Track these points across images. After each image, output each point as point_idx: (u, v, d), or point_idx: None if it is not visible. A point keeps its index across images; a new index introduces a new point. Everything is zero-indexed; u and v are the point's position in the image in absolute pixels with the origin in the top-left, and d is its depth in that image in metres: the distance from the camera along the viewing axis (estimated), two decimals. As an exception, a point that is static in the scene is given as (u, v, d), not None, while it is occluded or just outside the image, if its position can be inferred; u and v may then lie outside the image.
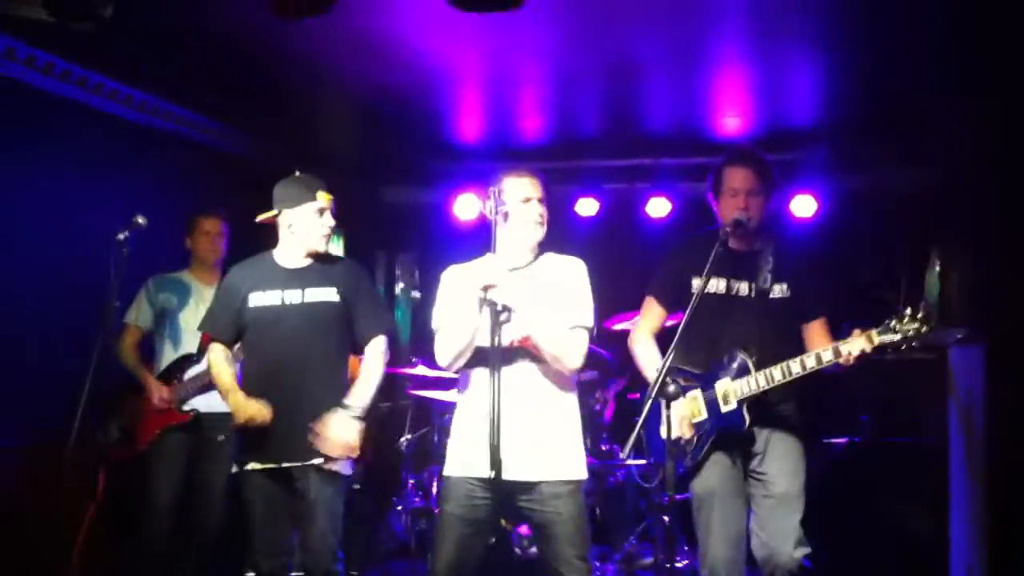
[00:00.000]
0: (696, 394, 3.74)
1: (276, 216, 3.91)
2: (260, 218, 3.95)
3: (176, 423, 4.73)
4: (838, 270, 4.12)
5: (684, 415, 3.71)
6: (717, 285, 3.73)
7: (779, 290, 3.77)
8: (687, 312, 3.40)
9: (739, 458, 3.75)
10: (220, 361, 3.95)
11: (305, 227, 3.88)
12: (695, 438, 3.74)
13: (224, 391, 3.91)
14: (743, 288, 3.77)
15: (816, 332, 3.77)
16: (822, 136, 6.24)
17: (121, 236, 4.09)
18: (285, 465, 3.78)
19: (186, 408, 4.74)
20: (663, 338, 3.92)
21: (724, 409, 3.68)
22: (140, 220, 4.12)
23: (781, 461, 3.71)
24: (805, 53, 4.92)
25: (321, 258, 3.97)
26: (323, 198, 3.90)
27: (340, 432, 3.76)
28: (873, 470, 4.98)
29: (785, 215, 6.47)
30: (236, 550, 4.04)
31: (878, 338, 3.44)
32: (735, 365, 3.68)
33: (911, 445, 4.97)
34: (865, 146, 6.33)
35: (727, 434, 3.70)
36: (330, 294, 3.90)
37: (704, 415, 3.73)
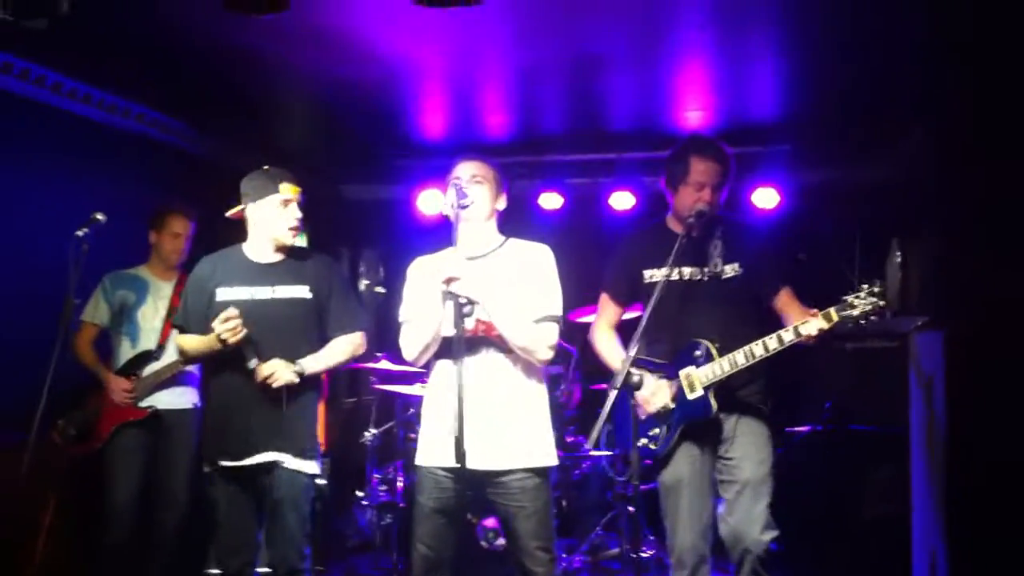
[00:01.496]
0: (662, 383, 3.75)
1: (243, 211, 3.87)
2: (229, 214, 3.90)
3: (133, 419, 4.68)
4: (793, 252, 4.15)
5: (656, 391, 3.72)
6: (669, 272, 3.68)
7: (731, 270, 3.79)
8: (650, 304, 3.42)
9: (707, 446, 3.77)
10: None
11: (270, 219, 3.83)
12: (664, 428, 3.76)
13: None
14: (697, 273, 3.80)
15: (785, 304, 3.78)
16: (784, 130, 6.28)
17: (80, 233, 4.04)
18: (251, 462, 3.75)
19: (144, 404, 4.69)
20: (623, 329, 3.97)
21: (690, 397, 3.70)
22: (99, 216, 4.08)
23: (748, 447, 3.73)
24: (768, 48, 4.94)
25: (294, 253, 3.93)
26: (288, 189, 3.84)
27: (274, 366, 3.72)
28: (837, 457, 5.04)
29: (746, 206, 6.53)
30: (199, 547, 4.02)
31: (837, 316, 3.47)
32: (698, 352, 3.71)
33: (875, 432, 5.03)
34: (827, 141, 6.39)
35: (695, 422, 3.72)
36: (302, 291, 3.86)
37: (671, 405, 3.74)
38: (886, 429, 4.91)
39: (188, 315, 3.92)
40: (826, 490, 4.99)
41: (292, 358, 3.78)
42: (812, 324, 3.50)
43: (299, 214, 3.88)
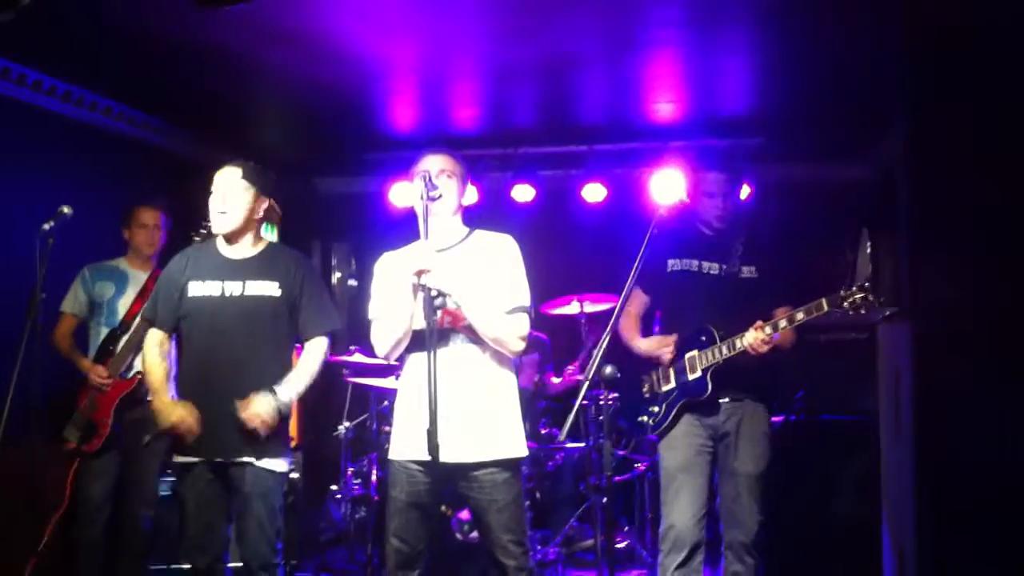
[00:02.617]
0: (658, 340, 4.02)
1: None
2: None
3: (127, 392, 4.63)
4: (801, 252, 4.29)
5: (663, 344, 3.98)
6: (690, 264, 4.00)
7: (748, 272, 3.99)
8: (628, 282, 3.59)
9: (707, 434, 3.95)
10: (154, 354, 3.87)
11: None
12: (663, 406, 3.98)
13: (152, 389, 3.87)
14: (714, 268, 4.00)
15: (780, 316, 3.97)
16: (755, 124, 6.32)
17: (46, 227, 4.02)
18: (221, 460, 3.74)
19: (130, 374, 4.66)
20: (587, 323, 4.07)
21: (690, 378, 3.93)
22: (65, 210, 4.05)
23: (750, 443, 3.92)
24: (739, 41, 4.97)
25: (268, 250, 3.92)
26: (216, 180, 3.83)
27: (259, 409, 3.68)
28: (809, 447, 5.07)
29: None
30: (170, 542, 4.01)
31: (827, 306, 3.66)
32: (704, 337, 3.92)
33: (846, 422, 5.07)
34: (799, 135, 6.43)
35: (692, 401, 3.93)
36: (271, 288, 3.83)
37: (672, 384, 3.98)
38: (858, 419, 4.95)
39: (157, 308, 3.90)
40: (798, 480, 5.02)
41: (258, 355, 3.79)
42: (802, 312, 3.70)
43: (220, 205, 3.81)
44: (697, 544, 3.86)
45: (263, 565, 3.73)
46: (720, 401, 3.91)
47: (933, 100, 4.72)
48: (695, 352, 3.92)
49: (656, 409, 4.01)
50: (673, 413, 3.95)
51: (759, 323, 3.76)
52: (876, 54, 4.91)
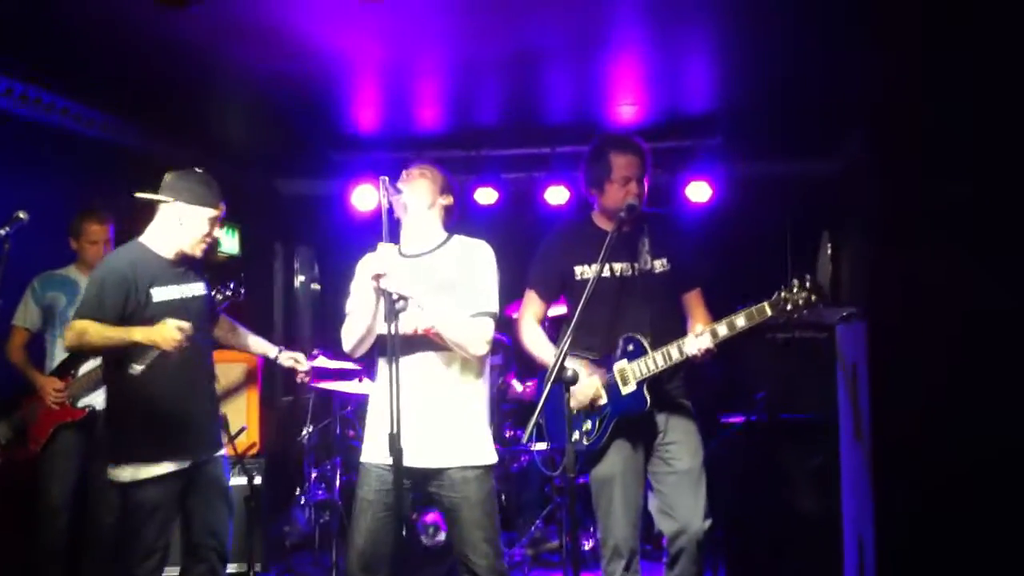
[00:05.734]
0: (593, 377, 3.78)
1: (167, 203, 3.78)
2: (144, 196, 3.79)
3: (71, 420, 4.60)
4: (725, 249, 4.22)
5: (588, 395, 3.75)
6: (603, 269, 3.74)
7: (660, 265, 3.85)
8: (583, 300, 3.42)
9: (640, 440, 3.81)
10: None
11: (195, 230, 3.81)
12: (596, 423, 3.78)
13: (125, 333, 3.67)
14: (627, 269, 3.83)
15: (693, 302, 3.91)
16: (718, 124, 6.36)
17: (2, 232, 3.96)
18: (195, 461, 3.80)
19: (81, 404, 4.62)
20: (549, 327, 4.04)
21: (624, 391, 3.74)
22: (22, 215, 3.98)
23: (682, 439, 3.81)
24: (701, 41, 4.98)
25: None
26: (221, 209, 3.88)
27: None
28: (770, 447, 5.11)
29: (679, 199, 6.61)
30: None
31: (770, 309, 3.56)
32: (632, 347, 3.74)
33: (807, 422, 5.11)
34: (760, 135, 6.47)
35: (629, 416, 3.75)
36: (203, 287, 3.98)
37: (604, 399, 3.77)
38: (818, 419, 4.99)
39: (106, 306, 3.71)
40: (760, 479, 5.07)
41: (207, 350, 3.99)
42: (742, 316, 3.59)
43: (218, 234, 3.98)
44: (634, 550, 3.78)
45: (224, 555, 3.87)
46: (654, 409, 3.75)
47: (894, 99, 4.78)
48: (624, 364, 3.73)
49: (589, 426, 3.78)
50: (609, 430, 3.75)
51: (700, 329, 3.63)
52: (837, 54, 4.96)
